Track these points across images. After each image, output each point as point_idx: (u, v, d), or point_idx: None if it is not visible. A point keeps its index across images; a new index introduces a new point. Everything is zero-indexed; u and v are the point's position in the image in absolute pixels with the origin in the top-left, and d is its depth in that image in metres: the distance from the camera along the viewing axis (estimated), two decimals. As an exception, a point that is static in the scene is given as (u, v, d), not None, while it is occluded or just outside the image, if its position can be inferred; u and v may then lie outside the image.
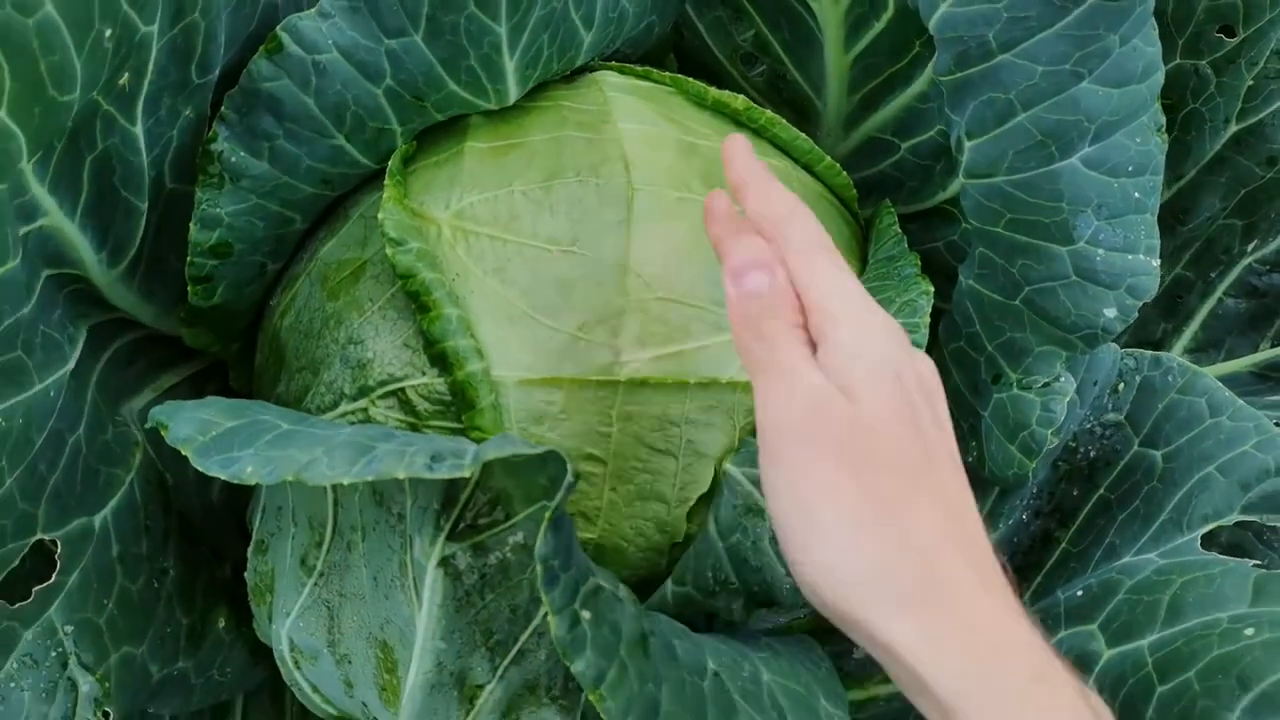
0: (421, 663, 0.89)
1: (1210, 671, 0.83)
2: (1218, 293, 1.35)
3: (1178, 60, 1.22)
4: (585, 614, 0.76)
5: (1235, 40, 1.19)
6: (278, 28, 0.95)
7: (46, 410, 0.91)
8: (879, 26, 1.14)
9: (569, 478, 0.74)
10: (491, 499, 0.87)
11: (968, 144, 0.98)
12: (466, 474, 0.72)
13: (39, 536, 0.91)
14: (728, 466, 0.97)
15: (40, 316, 0.90)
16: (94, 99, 0.85)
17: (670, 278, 0.98)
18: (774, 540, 0.95)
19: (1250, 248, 1.33)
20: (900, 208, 1.25)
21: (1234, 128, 1.25)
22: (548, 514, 0.73)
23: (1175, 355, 1.39)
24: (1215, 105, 1.23)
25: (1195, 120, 1.25)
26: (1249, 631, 0.84)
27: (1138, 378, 1.07)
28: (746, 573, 0.95)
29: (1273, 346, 1.35)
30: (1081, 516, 1.09)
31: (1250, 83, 1.21)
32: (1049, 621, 1.00)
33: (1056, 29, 0.91)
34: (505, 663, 0.91)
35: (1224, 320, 1.36)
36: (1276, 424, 1.19)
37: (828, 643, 1.26)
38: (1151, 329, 1.38)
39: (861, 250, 1.17)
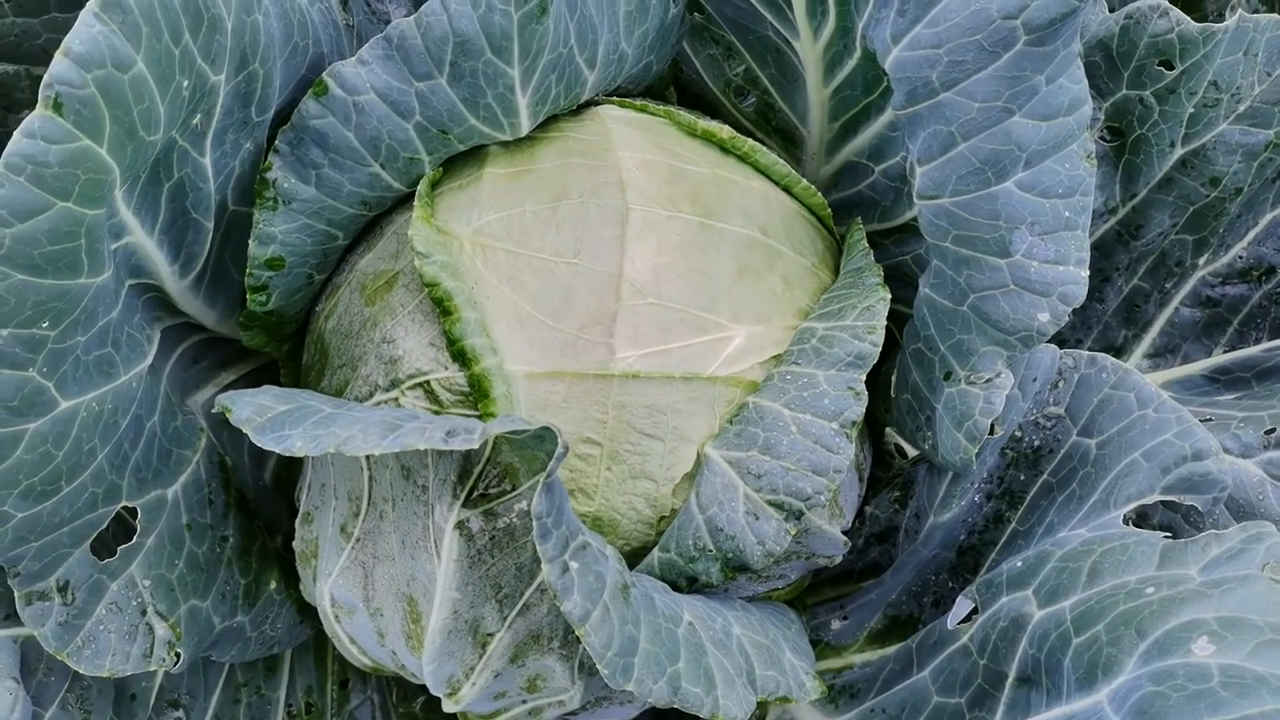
0: (440, 610, 1.05)
1: (1115, 624, 0.96)
2: (1174, 303, 1.47)
3: (1124, 91, 1.34)
4: (573, 564, 0.91)
5: (1174, 72, 1.31)
6: (324, 73, 1.12)
7: (129, 398, 1.08)
8: (852, 64, 1.28)
9: (560, 449, 0.90)
10: (500, 472, 1.02)
11: (919, 169, 1.12)
12: (475, 445, 0.88)
13: (123, 504, 1.08)
14: (708, 449, 1.12)
15: (125, 319, 1.07)
16: (172, 136, 1.02)
17: (659, 285, 1.13)
18: (747, 513, 1.10)
19: (1202, 261, 1.44)
20: (876, 224, 1.39)
21: (1179, 151, 1.37)
22: (541, 478, 0.88)
23: (1135, 360, 1.52)
24: (1160, 131, 1.36)
25: (1143, 145, 1.37)
26: (1150, 590, 0.97)
27: (1076, 375, 1.19)
28: (721, 540, 1.09)
29: (1225, 352, 1.47)
30: (1028, 499, 1.22)
31: (1191, 110, 1.33)
32: (993, 589, 1.13)
33: (989, 71, 1.04)
34: (513, 614, 1.06)
35: (1180, 328, 1.48)
36: (1210, 421, 1.32)
37: (809, 614, 1.40)
38: (1113, 335, 1.50)
39: (836, 263, 1.31)
